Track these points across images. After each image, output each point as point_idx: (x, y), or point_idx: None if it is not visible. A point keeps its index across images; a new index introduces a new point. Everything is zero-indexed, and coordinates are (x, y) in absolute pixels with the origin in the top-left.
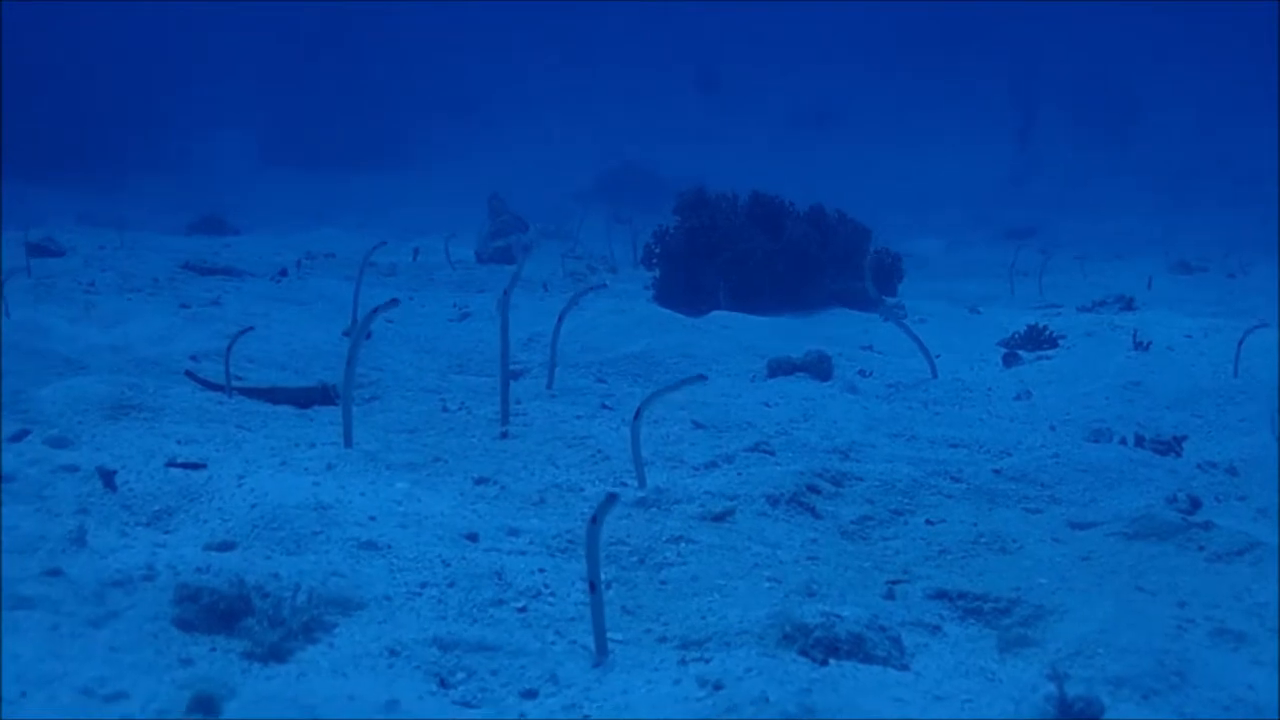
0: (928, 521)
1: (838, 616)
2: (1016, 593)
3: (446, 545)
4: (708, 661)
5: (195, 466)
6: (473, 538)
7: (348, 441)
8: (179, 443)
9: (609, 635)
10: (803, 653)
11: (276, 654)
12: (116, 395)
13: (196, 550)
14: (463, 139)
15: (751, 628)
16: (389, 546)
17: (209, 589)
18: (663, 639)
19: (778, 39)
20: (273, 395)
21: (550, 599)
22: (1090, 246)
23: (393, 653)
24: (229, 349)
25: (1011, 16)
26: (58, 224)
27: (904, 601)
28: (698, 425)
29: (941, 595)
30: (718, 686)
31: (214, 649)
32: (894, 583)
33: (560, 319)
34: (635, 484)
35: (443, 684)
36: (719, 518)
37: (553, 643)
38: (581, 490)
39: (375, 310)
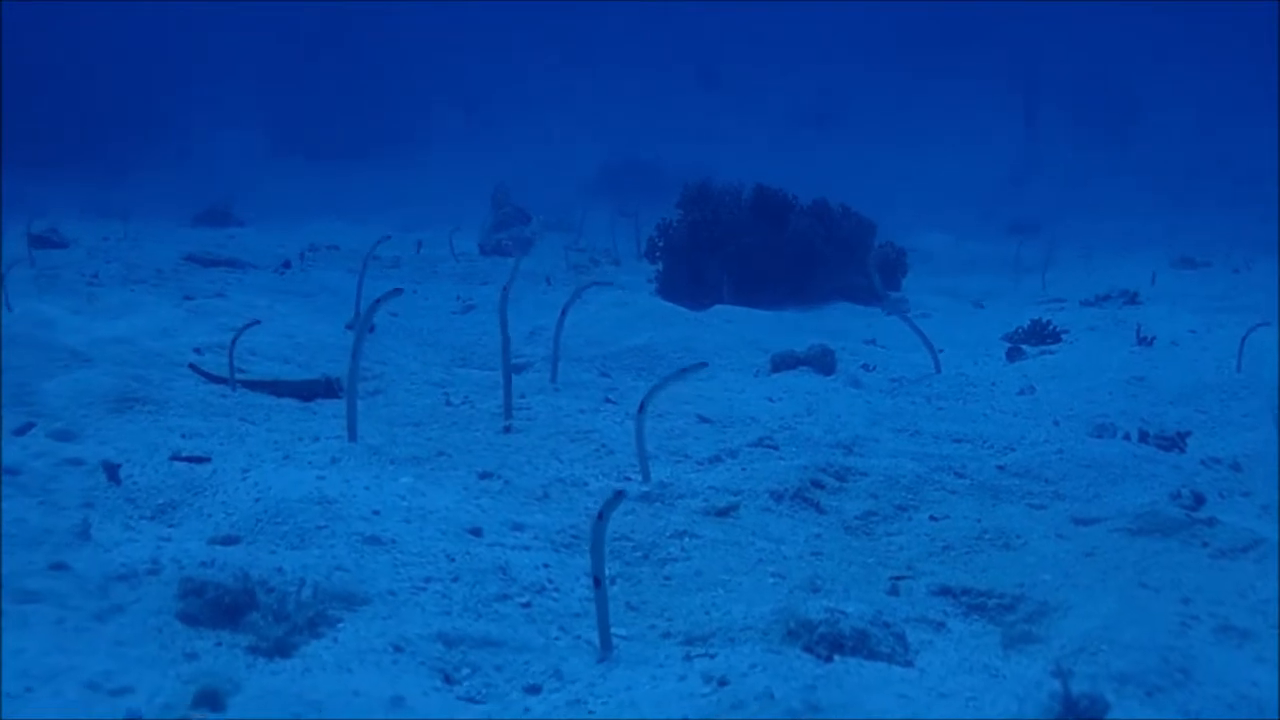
0: (931, 517)
1: (842, 613)
2: (1020, 589)
3: (451, 540)
4: (712, 657)
5: (199, 460)
6: (477, 532)
7: (352, 435)
8: (183, 436)
9: (613, 631)
10: (807, 649)
11: (281, 649)
12: (121, 388)
13: (201, 544)
14: (466, 133)
15: (756, 623)
16: (393, 541)
17: (214, 583)
18: (667, 635)
19: (780, 38)
20: (276, 388)
21: (554, 594)
22: (1093, 242)
23: (397, 648)
24: (233, 342)
25: (1012, 16)
26: (61, 215)
27: (908, 598)
28: (702, 419)
29: (945, 591)
30: (722, 682)
31: (219, 643)
32: (898, 579)
33: (563, 313)
34: (639, 478)
35: (447, 680)
36: (723, 513)
37: (557, 638)
38: (586, 485)
39: (378, 301)
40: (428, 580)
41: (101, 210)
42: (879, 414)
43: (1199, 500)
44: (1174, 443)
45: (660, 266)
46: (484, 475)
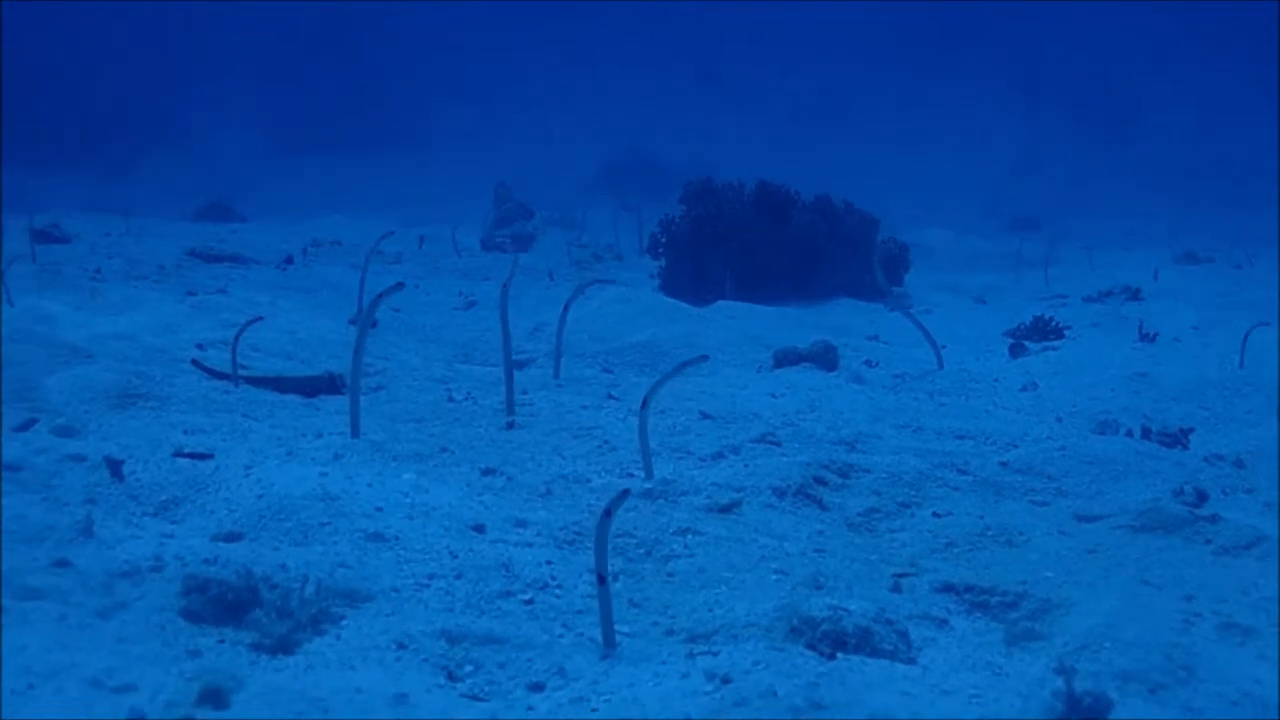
0: (934, 514)
1: (845, 610)
2: (1023, 586)
3: (454, 537)
4: (715, 655)
5: (202, 456)
6: (480, 529)
7: (355, 431)
8: (186, 432)
9: (616, 628)
10: (810, 646)
11: (284, 646)
12: (123, 384)
13: (204, 541)
14: (468, 129)
15: (759, 620)
16: (396, 538)
17: (217, 580)
18: (670, 632)
19: (780, 37)
20: (279, 384)
21: (557, 591)
22: (1095, 238)
23: (400, 645)
24: (236, 338)
25: (1012, 16)
26: (64, 211)
27: (911, 595)
28: (704, 416)
29: (948, 588)
30: (725, 680)
31: (222, 641)
32: (901, 575)
33: (565, 308)
34: (642, 475)
35: (450, 677)
36: (726, 509)
37: (560, 635)
38: (588, 481)
39: (380, 296)
40: (431, 577)
41: (103, 206)
42: (881, 410)
43: (1202, 497)
44: (1177, 439)
45: (663, 262)
46: (487, 472)
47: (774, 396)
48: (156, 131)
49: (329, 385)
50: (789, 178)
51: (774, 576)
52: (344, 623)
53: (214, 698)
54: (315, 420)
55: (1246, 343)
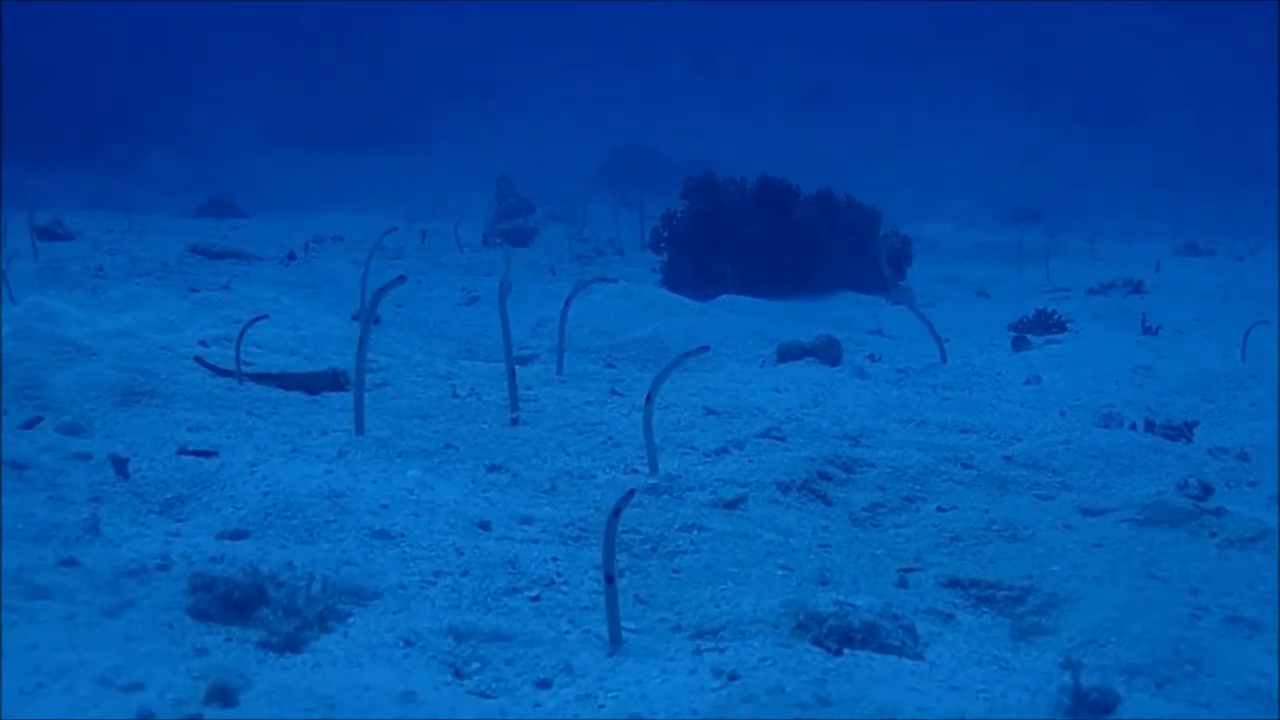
0: (939, 508)
1: (851, 605)
2: (1029, 580)
3: (459, 534)
4: (723, 651)
5: (207, 454)
6: (485, 526)
7: (359, 428)
8: (190, 430)
9: (623, 624)
10: (817, 642)
11: (292, 644)
12: (127, 382)
13: (210, 539)
14: (470, 126)
15: (765, 617)
16: (402, 535)
17: (223, 578)
18: (677, 628)
19: (781, 36)
20: (283, 381)
21: (564, 588)
22: (1096, 230)
23: (408, 643)
24: (240, 335)
25: (1012, 15)
26: (66, 207)
27: (916, 590)
28: (709, 411)
29: (954, 583)
30: (733, 676)
31: (229, 639)
32: (906, 571)
33: (567, 304)
34: (647, 470)
35: (458, 674)
36: (731, 505)
37: (567, 632)
38: (593, 477)
39: (382, 290)
40: (437, 574)
41: (106, 203)
42: (885, 405)
43: (1206, 490)
44: (1181, 432)
45: (665, 257)
46: (492, 468)
47: (778, 391)
48: (158, 129)
49: (333, 382)
50: (790, 172)
51: (780, 572)
52: (351, 620)
53: (222, 696)
54: (320, 417)
55: (1249, 335)
